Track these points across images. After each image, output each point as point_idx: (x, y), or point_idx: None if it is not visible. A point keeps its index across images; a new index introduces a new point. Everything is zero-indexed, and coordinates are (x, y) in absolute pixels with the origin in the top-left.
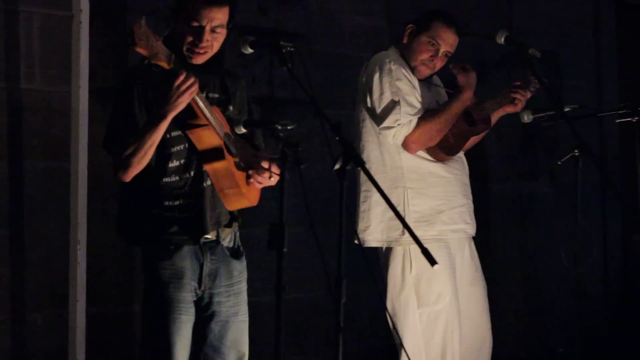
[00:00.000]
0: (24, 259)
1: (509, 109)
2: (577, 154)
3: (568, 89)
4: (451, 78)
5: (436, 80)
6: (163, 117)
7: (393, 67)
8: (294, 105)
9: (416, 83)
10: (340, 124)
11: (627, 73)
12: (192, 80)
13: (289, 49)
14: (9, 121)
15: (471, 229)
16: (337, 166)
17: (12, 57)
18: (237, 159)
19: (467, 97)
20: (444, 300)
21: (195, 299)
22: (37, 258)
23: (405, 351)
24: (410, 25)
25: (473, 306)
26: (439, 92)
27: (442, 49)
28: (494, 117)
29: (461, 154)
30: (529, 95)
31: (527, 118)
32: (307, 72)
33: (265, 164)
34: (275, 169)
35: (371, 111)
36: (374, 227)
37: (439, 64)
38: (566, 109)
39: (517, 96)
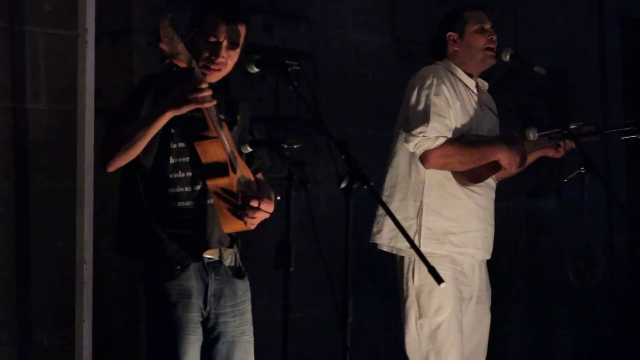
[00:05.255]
0: (30, 279)
1: (550, 153)
2: (583, 171)
3: (573, 105)
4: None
5: (489, 100)
6: (162, 112)
7: (435, 82)
8: (300, 123)
9: (458, 103)
10: (346, 143)
11: (632, 89)
12: (204, 86)
13: (294, 67)
14: (14, 140)
15: (481, 255)
16: (343, 185)
17: (18, 77)
18: (240, 177)
19: (499, 151)
20: (444, 312)
21: (201, 319)
22: (43, 278)
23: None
24: (450, 34)
25: (477, 324)
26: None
27: (487, 26)
28: (533, 157)
29: (490, 180)
30: (573, 145)
31: (532, 136)
32: (313, 91)
33: (254, 203)
34: (266, 207)
35: (404, 119)
36: (385, 234)
37: (495, 37)
38: (572, 126)
39: (562, 145)
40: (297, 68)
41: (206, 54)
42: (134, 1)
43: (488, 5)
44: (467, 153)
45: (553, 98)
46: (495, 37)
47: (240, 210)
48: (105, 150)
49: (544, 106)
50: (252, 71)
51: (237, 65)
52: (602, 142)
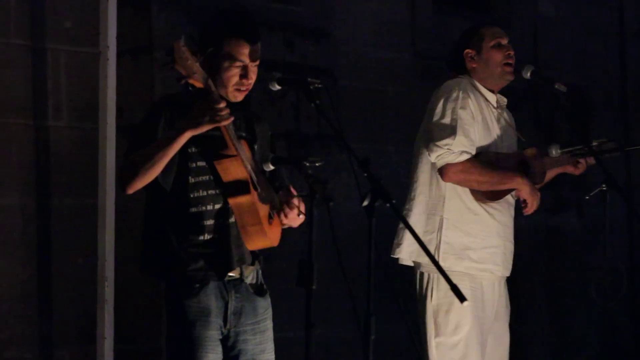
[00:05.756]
0: (52, 296)
1: (570, 169)
2: (604, 188)
3: (594, 122)
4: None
5: (509, 116)
6: (180, 132)
7: (461, 95)
8: (321, 139)
9: (480, 117)
10: (368, 160)
11: None
12: (222, 105)
13: (316, 85)
14: (36, 158)
15: (500, 271)
16: (365, 202)
17: (39, 94)
18: (261, 194)
19: (520, 182)
20: (461, 331)
21: (221, 337)
22: (65, 295)
23: None
24: (467, 51)
25: (497, 342)
26: (507, 128)
27: (505, 42)
28: (552, 173)
29: (509, 197)
30: (593, 162)
31: (555, 153)
32: (334, 108)
33: (296, 201)
34: (302, 207)
35: (428, 132)
36: (405, 247)
37: (512, 53)
38: (594, 143)
39: (582, 160)
40: (320, 86)
41: (236, 79)
42: (155, 18)
43: (507, 22)
44: (488, 175)
45: (574, 114)
46: (512, 53)
47: (277, 206)
48: (125, 173)
49: (564, 122)
50: (274, 89)
51: (258, 81)
52: (624, 159)
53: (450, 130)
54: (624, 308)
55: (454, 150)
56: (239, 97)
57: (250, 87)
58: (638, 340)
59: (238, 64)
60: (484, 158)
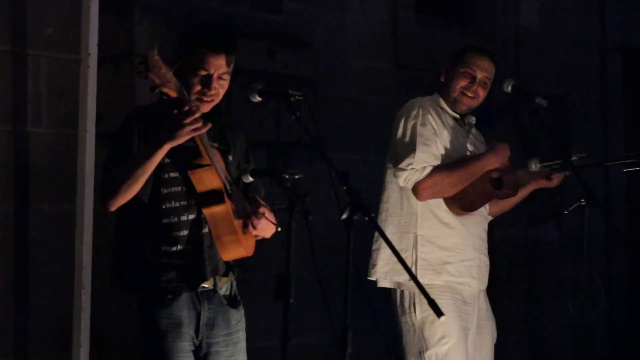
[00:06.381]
0: (28, 303)
1: (543, 184)
2: (583, 203)
3: (575, 134)
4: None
5: (477, 134)
6: (159, 145)
7: (420, 113)
8: (300, 149)
9: (445, 132)
10: (348, 173)
11: (633, 117)
12: (197, 115)
13: (297, 97)
14: (15, 164)
15: (477, 285)
16: (344, 216)
17: (19, 100)
18: (234, 206)
19: (489, 161)
20: (449, 341)
21: (193, 348)
22: (41, 302)
23: None
24: (445, 65)
25: (477, 354)
26: (476, 143)
27: (479, 76)
28: (527, 189)
29: (483, 210)
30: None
31: (534, 167)
32: (315, 118)
33: (262, 210)
34: (271, 217)
35: (393, 153)
36: (380, 268)
37: (481, 92)
38: (573, 158)
39: (556, 174)
40: (301, 98)
41: (198, 87)
42: (137, 26)
43: (490, 33)
44: (456, 174)
45: (554, 126)
46: (476, 87)
47: (247, 217)
48: (106, 190)
49: (544, 134)
50: (255, 100)
51: (239, 90)
52: (603, 173)
53: (411, 149)
54: (601, 321)
55: (416, 167)
56: (203, 107)
57: (215, 97)
58: (615, 352)
59: (202, 72)
60: (449, 162)
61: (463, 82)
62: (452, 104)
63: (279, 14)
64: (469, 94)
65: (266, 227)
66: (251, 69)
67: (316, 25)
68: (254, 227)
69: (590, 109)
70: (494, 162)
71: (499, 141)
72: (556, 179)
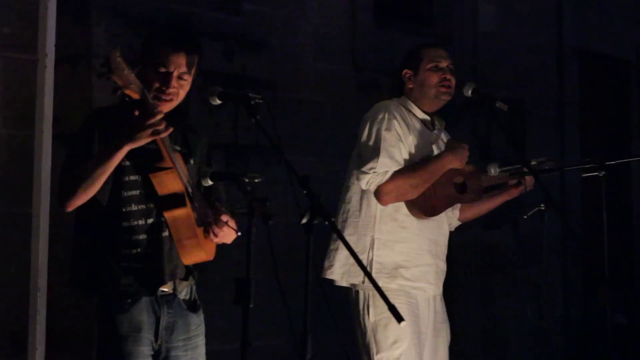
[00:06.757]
0: None
1: (514, 193)
2: (543, 208)
3: (531, 138)
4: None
5: (446, 137)
6: (118, 147)
7: (386, 117)
8: (259, 151)
9: (411, 137)
10: (307, 178)
11: (589, 121)
12: (159, 117)
13: (257, 101)
14: None
15: (432, 290)
16: (304, 220)
17: None
18: (195, 214)
19: (447, 159)
20: (401, 346)
21: (152, 353)
22: None
23: None
24: (405, 71)
25: (434, 357)
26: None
27: (445, 64)
28: (498, 201)
29: (443, 216)
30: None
31: (493, 171)
32: (273, 121)
33: (224, 217)
34: (232, 224)
35: (357, 156)
36: (337, 269)
37: (452, 80)
38: (533, 162)
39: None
40: (260, 101)
41: (157, 85)
42: (94, 26)
43: (448, 36)
44: (416, 175)
45: (511, 129)
46: (449, 76)
47: (208, 225)
48: (63, 191)
49: (501, 137)
50: (214, 103)
51: (197, 92)
52: (559, 177)
53: (375, 153)
54: (558, 325)
55: (378, 171)
56: (161, 106)
57: (174, 97)
58: (571, 357)
59: (162, 69)
60: (410, 165)
61: (436, 78)
62: (433, 100)
63: (238, 16)
64: (446, 85)
65: (227, 234)
66: (209, 70)
67: (274, 27)
68: (215, 235)
69: (547, 113)
70: (453, 160)
71: (456, 140)
72: (529, 187)
